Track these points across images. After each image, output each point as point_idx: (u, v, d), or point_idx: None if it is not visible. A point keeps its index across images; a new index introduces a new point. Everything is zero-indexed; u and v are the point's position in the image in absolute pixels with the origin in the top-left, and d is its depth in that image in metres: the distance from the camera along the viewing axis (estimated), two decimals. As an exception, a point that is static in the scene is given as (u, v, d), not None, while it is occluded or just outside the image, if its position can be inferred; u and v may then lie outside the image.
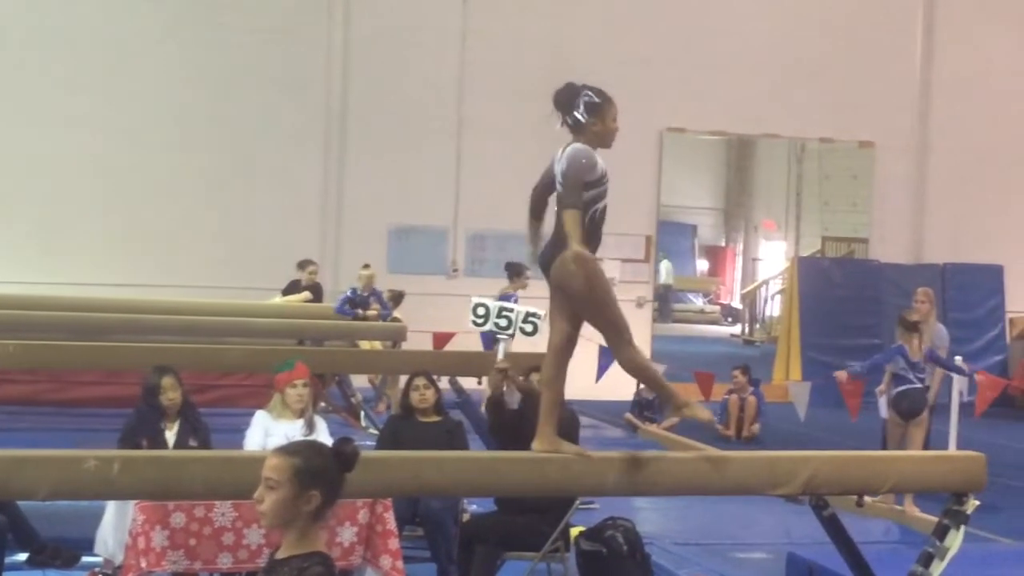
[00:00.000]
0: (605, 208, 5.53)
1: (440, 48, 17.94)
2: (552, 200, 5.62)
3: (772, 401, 15.83)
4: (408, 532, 8.09)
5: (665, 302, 30.55)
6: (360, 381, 15.20)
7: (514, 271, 15.11)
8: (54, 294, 13.98)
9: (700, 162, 32.13)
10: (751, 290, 29.61)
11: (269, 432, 7.90)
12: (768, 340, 24.63)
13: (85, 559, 8.00)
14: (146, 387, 8.11)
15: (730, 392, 15.43)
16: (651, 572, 8.00)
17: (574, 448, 5.55)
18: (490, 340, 12.58)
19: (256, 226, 17.33)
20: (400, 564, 7.05)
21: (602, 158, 5.55)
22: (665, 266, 30.11)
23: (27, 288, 14.61)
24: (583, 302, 5.42)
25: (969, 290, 19.62)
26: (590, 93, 5.50)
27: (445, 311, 14.67)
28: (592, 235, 5.47)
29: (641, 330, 17.86)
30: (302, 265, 15.58)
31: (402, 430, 8.49)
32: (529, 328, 8.52)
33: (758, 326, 27.95)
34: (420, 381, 8.60)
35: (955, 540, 5.83)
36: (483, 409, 8.18)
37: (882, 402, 12.01)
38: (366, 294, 14.63)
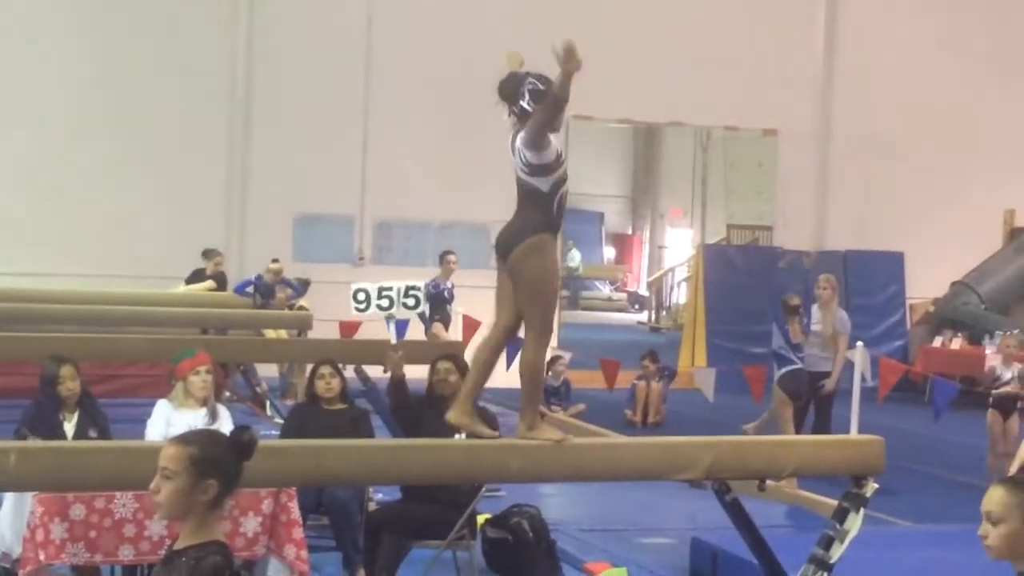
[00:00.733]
0: (567, 192, 5.61)
1: (345, 34, 17.84)
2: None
3: (679, 388, 15.96)
4: (313, 521, 8.04)
5: (574, 290, 30.67)
6: (268, 370, 15.10)
7: (440, 259, 15.24)
8: (-50, 284, 13.74)
9: (607, 150, 32.27)
10: (657, 278, 29.81)
11: (171, 422, 7.80)
12: (674, 327, 24.81)
13: (-19, 552, 7.85)
14: (44, 377, 7.96)
15: (638, 379, 15.53)
16: (557, 558, 8.03)
17: (487, 431, 5.63)
18: (404, 329, 12.57)
19: (158, 215, 17.12)
20: (305, 554, 6.99)
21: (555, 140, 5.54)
22: (573, 254, 30.22)
23: (-77, 278, 14.34)
24: (529, 290, 5.46)
25: (870, 277, 19.91)
26: (534, 81, 5.57)
27: (351, 300, 14.59)
28: (557, 219, 5.55)
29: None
30: (207, 254, 15.42)
31: (307, 418, 8.42)
32: (411, 302, 8.51)
33: (664, 313, 28.16)
34: (325, 369, 8.54)
35: (855, 523, 5.89)
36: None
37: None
38: (272, 284, 14.52)
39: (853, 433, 10.55)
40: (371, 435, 8.22)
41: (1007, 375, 11.50)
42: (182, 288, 15.13)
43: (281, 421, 11.38)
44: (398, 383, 7.95)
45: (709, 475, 5.69)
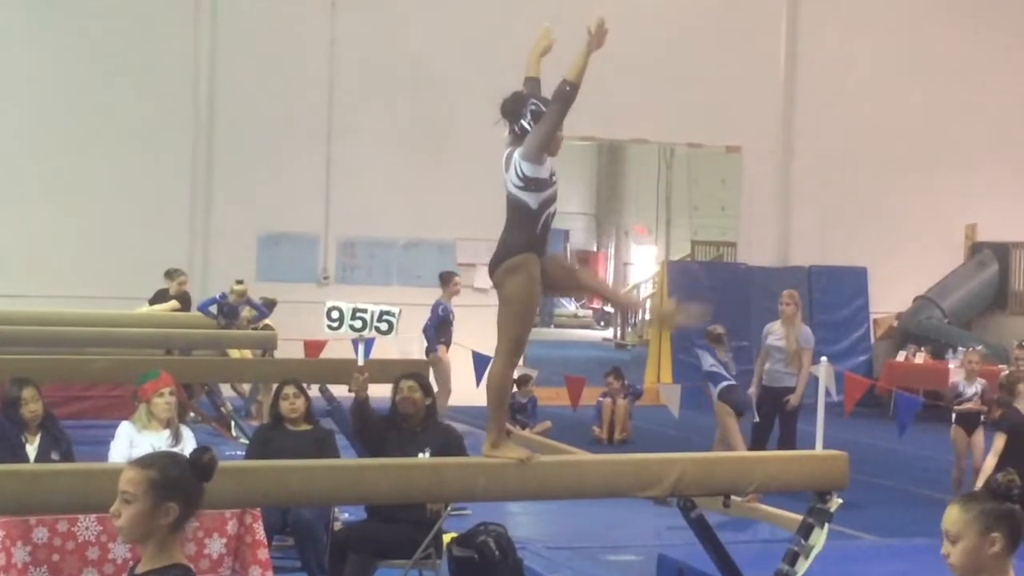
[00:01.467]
0: (555, 213, 5.62)
1: (309, 54, 17.83)
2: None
3: (645, 404, 15.99)
4: (278, 542, 8.01)
5: (547, 308, 30.76)
6: (233, 391, 15.05)
7: (444, 279, 15.17)
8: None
9: (571, 168, 32.25)
10: (623, 294, 29.81)
11: (134, 444, 7.75)
12: (640, 344, 24.85)
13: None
14: (5, 399, 7.92)
15: (603, 396, 15.54)
16: (523, 577, 8.02)
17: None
18: (370, 348, 12.51)
19: (121, 234, 17.03)
20: (270, 575, 6.97)
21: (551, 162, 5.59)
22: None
23: None
24: (507, 308, 5.49)
25: (834, 292, 20.00)
26: (537, 103, 5.66)
27: (316, 319, 14.50)
28: (541, 240, 5.56)
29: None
30: (170, 274, 15.35)
31: (272, 439, 8.39)
32: (384, 327, 8.48)
33: (630, 330, 28.20)
34: (290, 390, 8.51)
35: (819, 538, 5.91)
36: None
37: (753, 403, 12.29)
38: (236, 305, 14.46)
39: (818, 448, 10.58)
40: (336, 455, 8.21)
41: (970, 391, 11.54)
42: (145, 308, 15.05)
43: (246, 441, 11.34)
44: (361, 404, 7.94)
45: (674, 492, 5.70)
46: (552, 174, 5.60)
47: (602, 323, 32.28)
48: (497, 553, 7.80)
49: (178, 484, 3.61)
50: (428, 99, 18.19)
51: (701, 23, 19.37)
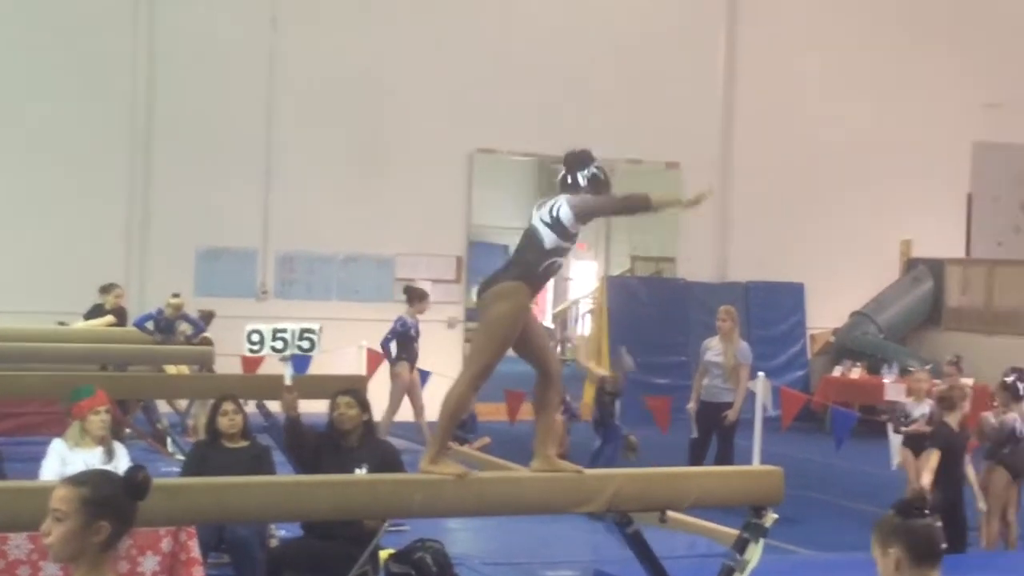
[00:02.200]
0: (559, 267, 5.74)
1: (248, 68, 17.74)
2: None
3: (584, 419, 15.98)
4: (214, 559, 7.95)
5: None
6: (169, 407, 14.94)
7: (413, 295, 15.04)
8: None
9: (511, 183, 32.26)
10: (562, 310, 29.89)
11: (66, 461, 7.68)
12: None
13: None
14: (-63, 416, 7.83)
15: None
16: (461, 593, 8.01)
17: (572, 466, 5.76)
18: (305, 366, 12.44)
19: (56, 248, 16.84)
20: (205, 593, 6.92)
21: None
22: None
23: None
24: (486, 330, 5.64)
25: (772, 307, 20.13)
26: (600, 169, 5.87)
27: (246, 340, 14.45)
28: (538, 276, 5.67)
29: (452, 351, 17.89)
30: (106, 289, 15.20)
31: (209, 456, 8.34)
32: (306, 344, 8.45)
33: (570, 345, 28.22)
34: (229, 406, 8.47)
35: (755, 553, 5.94)
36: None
37: (692, 418, 12.34)
38: (173, 319, 14.35)
39: (755, 463, 10.67)
40: (273, 471, 8.17)
41: (917, 412, 11.40)
42: (81, 324, 14.89)
43: (183, 458, 11.25)
44: (293, 422, 7.91)
45: (611, 507, 5.71)
46: (576, 235, 5.75)
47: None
48: (435, 569, 7.80)
49: (111, 502, 3.58)
50: (368, 115, 18.17)
51: (641, 40, 19.47)
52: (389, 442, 8.53)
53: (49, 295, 16.08)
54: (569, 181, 5.83)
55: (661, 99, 19.51)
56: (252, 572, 7.86)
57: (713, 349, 12.46)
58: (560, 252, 5.67)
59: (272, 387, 10.34)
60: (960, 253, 21.32)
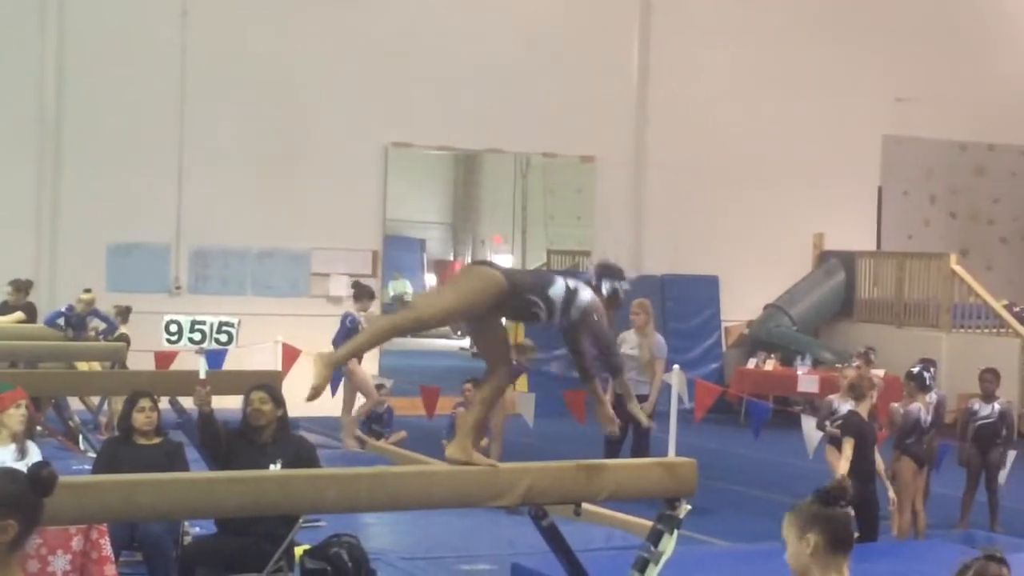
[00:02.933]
0: (533, 312, 5.71)
1: (159, 61, 17.55)
2: None
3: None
4: (126, 557, 7.88)
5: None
6: (79, 403, 14.74)
7: (361, 292, 15.04)
8: None
9: (427, 177, 32.30)
10: (479, 304, 29.85)
11: (-24, 459, 7.57)
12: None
13: None
14: None
15: (458, 406, 15.48)
16: (377, 588, 7.99)
17: (486, 460, 5.76)
18: (221, 360, 12.35)
19: (-36, 245, 16.58)
20: (117, 591, 6.85)
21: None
22: (399, 284, 30.27)
23: None
24: (457, 282, 5.78)
25: (687, 300, 20.28)
26: (625, 288, 6.02)
27: (164, 331, 14.32)
28: (517, 295, 5.63)
29: (369, 345, 17.83)
30: (15, 285, 14.99)
31: (120, 453, 8.25)
32: (224, 338, 8.43)
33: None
34: (145, 403, 8.38)
35: (669, 544, 5.97)
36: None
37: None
38: (84, 315, 14.18)
39: (671, 455, 10.72)
40: (186, 468, 8.10)
41: (844, 408, 11.36)
42: (-11, 320, 14.67)
43: (95, 455, 11.13)
44: (206, 418, 7.84)
45: (525, 500, 5.71)
46: (556, 318, 5.77)
47: (459, 333, 32.28)
48: (350, 564, 7.78)
49: (15, 500, 3.52)
50: (282, 108, 18.04)
51: (554, 33, 19.52)
52: (304, 437, 8.49)
53: (-44, 291, 15.82)
54: (594, 283, 5.93)
55: (576, 93, 19.56)
56: (165, 570, 7.79)
57: (628, 343, 12.52)
58: (541, 309, 5.67)
59: (186, 383, 10.26)
60: (871, 246, 21.61)
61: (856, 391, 9.91)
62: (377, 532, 9.96)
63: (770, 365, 19.17)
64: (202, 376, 8.20)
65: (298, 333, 15.46)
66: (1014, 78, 22.31)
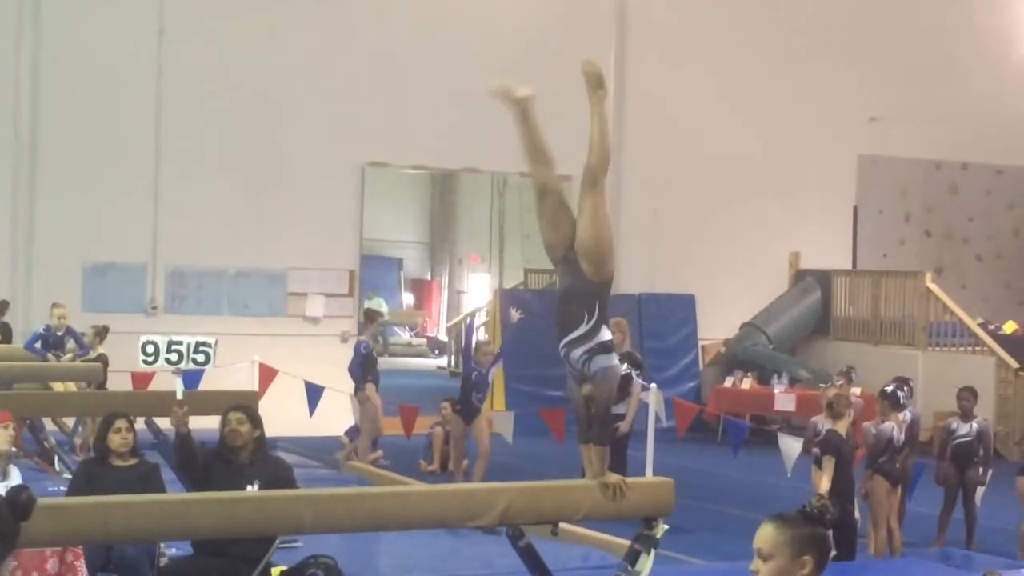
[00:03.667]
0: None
1: (136, 80, 17.49)
2: None
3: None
4: (102, 579, 7.82)
5: (384, 336, 30.75)
6: (54, 424, 14.67)
7: (371, 317, 15.00)
8: None
9: (404, 196, 32.36)
10: (457, 322, 29.90)
11: (-44, 481, 7.53)
12: (474, 372, 24.82)
13: None
14: None
15: (436, 425, 15.49)
16: (354, 609, 7.96)
17: (615, 477, 5.98)
18: (197, 380, 12.30)
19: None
20: (93, 614, 6.81)
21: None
22: (377, 302, 30.31)
23: None
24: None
25: (664, 319, 20.30)
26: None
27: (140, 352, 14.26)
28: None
29: (346, 364, 17.82)
30: (-1, 307, 14.94)
31: (96, 474, 8.19)
32: (201, 358, 8.39)
33: (463, 361, 28.18)
34: (122, 423, 8.32)
35: (646, 564, 5.98)
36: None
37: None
38: (60, 333, 14.13)
39: (648, 474, 10.73)
40: (162, 490, 8.05)
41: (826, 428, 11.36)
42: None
43: (71, 477, 11.07)
44: (183, 439, 7.79)
45: (503, 521, 5.72)
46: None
47: (436, 351, 32.29)
48: (327, 586, 7.74)
49: (-8, 525, 3.50)
50: (258, 128, 18.03)
51: (531, 53, 19.51)
52: (281, 458, 8.45)
53: (-69, 312, 15.75)
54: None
55: (551, 113, 19.24)
56: (141, 592, 7.75)
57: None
58: (584, 326, 6.11)
59: (162, 404, 10.24)
60: (847, 264, 21.69)
61: (833, 410, 9.92)
62: (354, 553, 9.91)
63: (747, 384, 19.21)
64: (179, 397, 8.18)
65: (275, 353, 15.48)
66: (988, 98, 22.45)
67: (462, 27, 19.32)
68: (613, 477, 5.96)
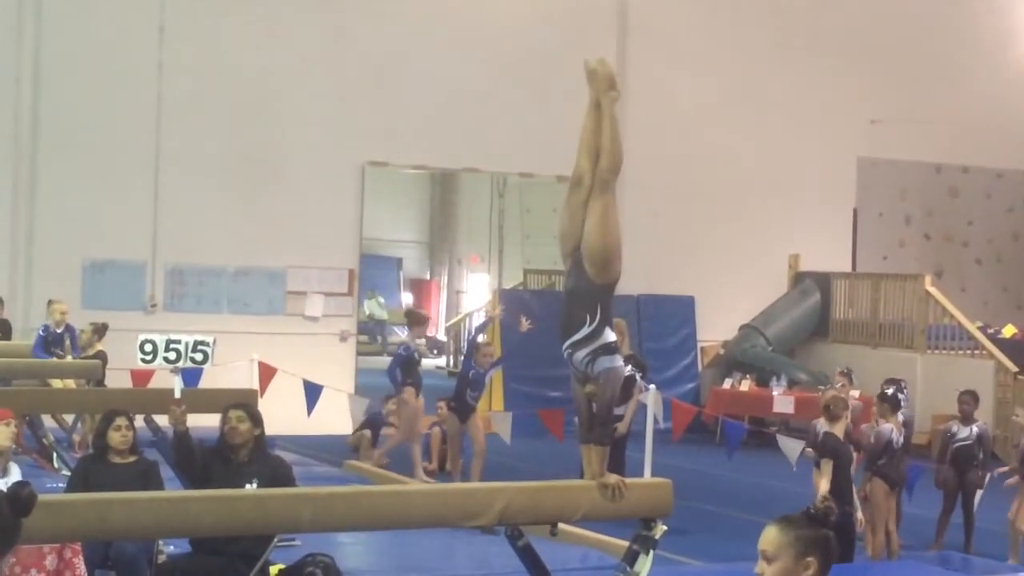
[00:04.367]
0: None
1: (136, 78, 17.48)
2: None
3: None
4: (100, 576, 7.82)
5: (383, 335, 30.80)
6: (52, 421, 14.67)
7: (415, 320, 14.90)
8: None
9: (404, 196, 32.34)
10: (456, 322, 29.91)
11: (-42, 477, 7.54)
12: (473, 372, 24.82)
13: None
14: None
15: (433, 425, 15.48)
16: (352, 608, 7.96)
17: (614, 477, 6.02)
18: (197, 378, 12.28)
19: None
20: (91, 611, 6.81)
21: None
22: (374, 303, 30.32)
23: None
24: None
25: (663, 320, 20.30)
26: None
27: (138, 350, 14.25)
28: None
29: (346, 363, 17.84)
30: (-5, 303, 14.93)
31: (94, 472, 8.20)
32: (199, 357, 8.37)
33: (463, 358, 28.18)
34: (122, 421, 8.33)
35: (645, 565, 5.99)
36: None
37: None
38: (59, 331, 14.12)
39: (647, 475, 10.73)
40: (161, 487, 8.06)
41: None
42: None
43: (69, 474, 11.07)
44: (181, 437, 7.80)
45: (501, 520, 5.72)
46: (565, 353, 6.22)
47: (435, 351, 32.27)
48: (325, 584, 7.73)
49: (-7, 521, 3.50)
50: (258, 126, 18.02)
51: (532, 54, 19.55)
52: (280, 457, 8.45)
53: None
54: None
55: (552, 113, 19.54)
56: (139, 589, 7.75)
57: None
58: (586, 328, 6.09)
59: (161, 401, 10.24)
60: (847, 267, 21.69)
61: (830, 412, 9.92)
62: (352, 552, 9.92)
63: (746, 385, 19.21)
64: (177, 395, 8.17)
65: (274, 351, 15.48)
66: (988, 100, 22.46)
67: (462, 27, 19.31)
68: (612, 478, 5.96)
